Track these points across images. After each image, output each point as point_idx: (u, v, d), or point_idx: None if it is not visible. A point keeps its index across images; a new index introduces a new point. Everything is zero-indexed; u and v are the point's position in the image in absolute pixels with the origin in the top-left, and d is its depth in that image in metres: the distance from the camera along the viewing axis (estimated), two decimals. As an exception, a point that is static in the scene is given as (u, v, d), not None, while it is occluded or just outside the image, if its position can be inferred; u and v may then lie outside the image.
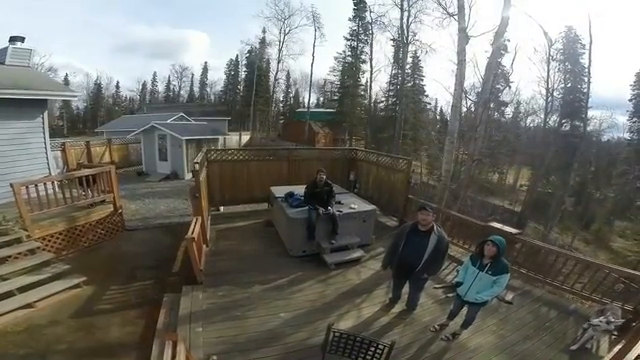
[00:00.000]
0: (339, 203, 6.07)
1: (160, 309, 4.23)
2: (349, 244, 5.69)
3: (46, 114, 8.49)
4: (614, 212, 25.52)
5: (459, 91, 11.04)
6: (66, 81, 45.38)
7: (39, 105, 8.09)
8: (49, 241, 6.19)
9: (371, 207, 6.25)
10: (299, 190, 6.10)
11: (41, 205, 6.14)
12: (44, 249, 5.89)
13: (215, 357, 2.25)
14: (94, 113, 48.26)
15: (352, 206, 6.07)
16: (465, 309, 3.79)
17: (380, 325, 4.00)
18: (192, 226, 4.76)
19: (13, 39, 8.44)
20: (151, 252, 6.75)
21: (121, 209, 7.69)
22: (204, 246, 5.58)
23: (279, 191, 6.63)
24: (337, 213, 5.59)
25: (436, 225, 3.82)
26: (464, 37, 10.98)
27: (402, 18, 24.74)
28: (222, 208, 8.61)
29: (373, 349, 2.59)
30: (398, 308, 4.33)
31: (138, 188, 12.81)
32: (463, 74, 11.04)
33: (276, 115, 45.21)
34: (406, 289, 4.31)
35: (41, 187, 6.20)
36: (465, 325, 3.77)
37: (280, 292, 4.63)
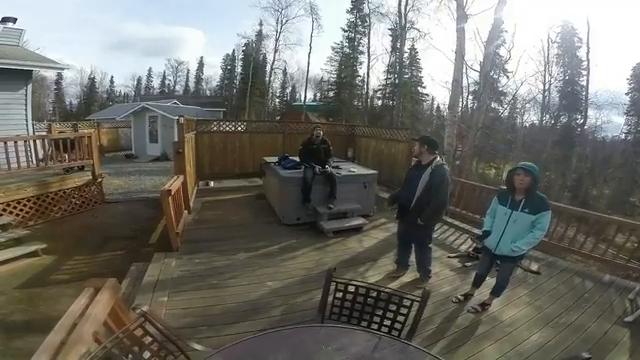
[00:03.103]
0: (337, 168, 5.41)
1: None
2: (349, 210, 5.05)
3: (30, 87, 8.26)
4: (612, 207, 25.09)
5: (459, 66, 10.63)
6: (59, 76, 44.35)
7: (23, 77, 7.83)
8: (15, 207, 5.52)
9: (372, 171, 5.60)
10: (294, 158, 5.51)
11: (9, 165, 5.46)
12: (8, 216, 5.20)
13: (145, 308, 1.51)
14: (87, 108, 46.92)
15: (352, 169, 5.43)
16: (489, 279, 3.18)
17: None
18: (171, 181, 4.08)
19: (5, 19, 8.33)
20: (129, 223, 6.10)
21: (101, 178, 7.01)
22: (185, 212, 4.90)
23: (272, 159, 6.00)
24: (336, 175, 4.91)
25: (441, 159, 3.27)
26: (463, 15, 10.62)
27: (400, 4, 24.16)
28: (212, 183, 7.98)
29: (395, 307, 1.82)
30: (409, 277, 3.68)
31: (125, 167, 12.15)
32: (463, 49, 10.65)
33: (273, 111, 44.29)
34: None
35: (11, 148, 5.52)
36: (496, 291, 3.09)
37: (269, 259, 3.99)
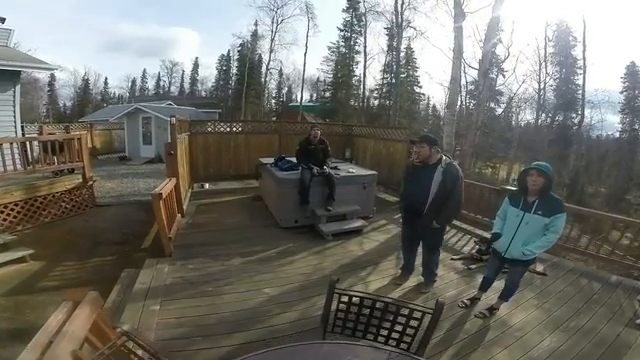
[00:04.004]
0: (336, 169, 5.28)
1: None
2: (348, 212, 4.92)
3: (18, 88, 8.04)
4: (608, 204, 25.21)
5: (458, 64, 10.56)
6: (52, 77, 43.94)
7: (11, 78, 7.61)
8: (1, 212, 5.32)
9: (371, 172, 5.46)
10: (291, 158, 5.36)
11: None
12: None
13: (127, 327, 1.36)
14: (81, 110, 46.36)
15: (350, 170, 5.30)
16: (496, 282, 3.07)
17: (394, 300, 3.18)
18: (162, 184, 3.92)
19: (-7, 20, 8.28)
20: (120, 227, 5.90)
21: (92, 181, 6.80)
22: (178, 215, 4.74)
23: (268, 160, 5.85)
24: (335, 176, 4.77)
25: (447, 157, 3.08)
26: (460, 13, 10.55)
27: (396, 3, 24.05)
28: (207, 185, 7.84)
29: (404, 319, 1.68)
30: (413, 281, 3.54)
31: (118, 169, 11.90)
32: (461, 47, 10.57)
33: (269, 111, 44.05)
34: (420, 259, 3.52)
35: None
36: (505, 295, 2.97)
37: (266, 265, 3.83)
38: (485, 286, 3.13)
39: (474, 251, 4.25)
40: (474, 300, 3.16)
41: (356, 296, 1.74)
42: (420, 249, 3.50)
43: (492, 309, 3.00)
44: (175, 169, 4.65)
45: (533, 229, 2.54)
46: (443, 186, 2.97)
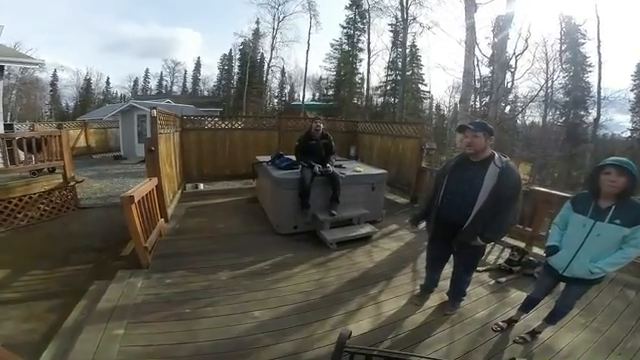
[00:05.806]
0: (340, 167, 4.69)
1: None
2: (354, 217, 4.33)
3: (1, 84, 7.69)
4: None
5: (470, 57, 10.00)
6: (54, 77, 44.47)
7: None
8: (-31, 216, 4.77)
9: (381, 170, 4.86)
10: (290, 156, 4.79)
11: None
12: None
13: None
14: (83, 109, 46.29)
15: (357, 169, 4.70)
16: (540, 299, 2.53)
17: (414, 326, 2.59)
18: (138, 185, 3.37)
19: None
20: (102, 232, 5.31)
21: (74, 182, 6.21)
22: (161, 220, 4.16)
23: (265, 158, 5.30)
24: (340, 175, 4.18)
25: (499, 154, 2.30)
26: (472, 4, 10.02)
27: (402, -1, 23.45)
28: (202, 186, 7.30)
29: None
30: (435, 300, 2.95)
31: (110, 169, 11.35)
32: (474, 40, 10.02)
33: (271, 110, 43.64)
34: (446, 272, 2.92)
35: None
36: (553, 319, 2.41)
37: (258, 280, 3.23)
38: (528, 307, 2.56)
39: (502, 261, 3.66)
40: (511, 322, 2.61)
41: (376, 356, 1.16)
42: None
43: (534, 333, 2.45)
44: (157, 168, 4.06)
45: (606, 242, 1.94)
46: (496, 193, 2.19)
